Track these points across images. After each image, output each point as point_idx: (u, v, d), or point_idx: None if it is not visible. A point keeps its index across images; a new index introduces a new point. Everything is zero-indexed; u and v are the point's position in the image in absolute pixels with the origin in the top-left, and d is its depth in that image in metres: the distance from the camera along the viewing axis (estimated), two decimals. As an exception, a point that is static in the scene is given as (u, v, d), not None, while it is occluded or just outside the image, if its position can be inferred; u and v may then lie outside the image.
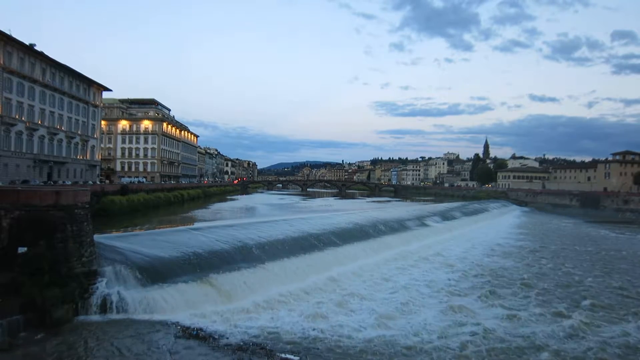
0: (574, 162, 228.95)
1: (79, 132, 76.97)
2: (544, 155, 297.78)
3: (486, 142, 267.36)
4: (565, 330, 18.62)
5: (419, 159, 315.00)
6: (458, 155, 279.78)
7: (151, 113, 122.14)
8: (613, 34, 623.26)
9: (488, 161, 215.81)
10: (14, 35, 57.64)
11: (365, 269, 29.77)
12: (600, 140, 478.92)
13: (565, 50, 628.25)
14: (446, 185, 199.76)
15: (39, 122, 64.94)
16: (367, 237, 38.57)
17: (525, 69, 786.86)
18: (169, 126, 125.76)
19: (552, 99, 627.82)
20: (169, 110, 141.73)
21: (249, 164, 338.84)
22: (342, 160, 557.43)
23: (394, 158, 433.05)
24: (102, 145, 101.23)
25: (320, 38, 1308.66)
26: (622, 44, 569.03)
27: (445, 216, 62.96)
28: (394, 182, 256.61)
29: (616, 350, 16.88)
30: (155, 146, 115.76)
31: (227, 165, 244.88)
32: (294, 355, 15.45)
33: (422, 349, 16.40)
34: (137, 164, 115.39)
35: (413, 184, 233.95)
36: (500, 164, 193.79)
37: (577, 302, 23.63)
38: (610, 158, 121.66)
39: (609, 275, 31.01)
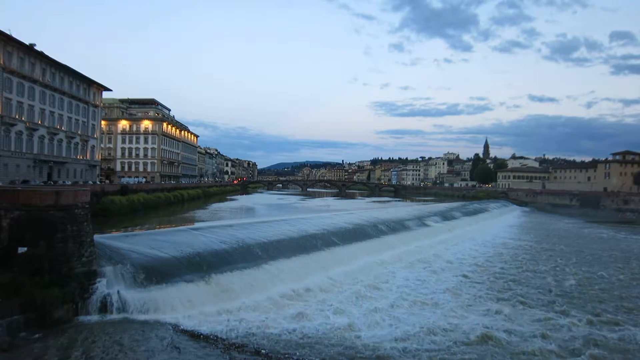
0: (574, 162, 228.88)
1: (79, 132, 76.93)
2: (544, 155, 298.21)
3: (486, 142, 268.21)
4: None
5: (419, 159, 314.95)
6: (458, 155, 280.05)
7: (151, 113, 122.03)
8: (611, 35, 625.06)
9: (488, 161, 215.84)
10: (14, 35, 57.66)
11: (366, 268, 29.76)
12: (599, 140, 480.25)
13: (564, 50, 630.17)
14: (446, 185, 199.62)
15: (39, 122, 64.90)
16: (367, 237, 38.53)
17: (524, 69, 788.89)
18: (169, 126, 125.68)
19: (551, 99, 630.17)
20: (169, 110, 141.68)
21: (249, 164, 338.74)
22: (342, 160, 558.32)
23: (394, 158, 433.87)
24: (102, 145, 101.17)
25: (320, 39, 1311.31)
26: (620, 44, 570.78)
27: (446, 216, 62.92)
28: (394, 182, 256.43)
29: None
30: (155, 146, 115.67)
31: (227, 165, 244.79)
32: (295, 356, 15.44)
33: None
34: (137, 164, 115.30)
35: (413, 184, 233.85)
36: (500, 164, 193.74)
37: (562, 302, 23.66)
38: (610, 158, 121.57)
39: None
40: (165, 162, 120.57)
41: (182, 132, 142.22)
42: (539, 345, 16.89)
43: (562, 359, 16.05)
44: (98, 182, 77.99)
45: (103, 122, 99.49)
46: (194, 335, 16.48)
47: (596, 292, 25.77)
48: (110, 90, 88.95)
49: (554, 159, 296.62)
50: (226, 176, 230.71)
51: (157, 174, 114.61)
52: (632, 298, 24.83)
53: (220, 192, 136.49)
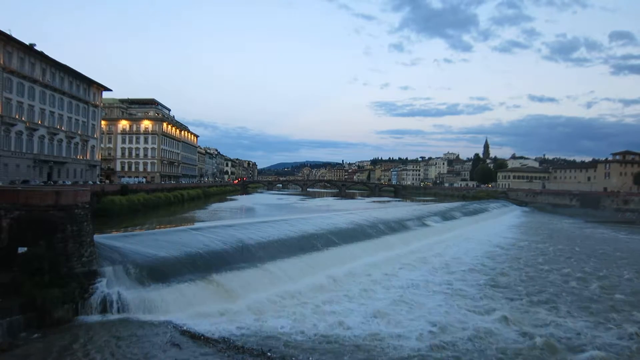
0: (574, 162, 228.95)
1: (79, 132, 76.91)
2: (544, 155, 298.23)
3: (486, 142, 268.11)
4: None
5: (419, 159, 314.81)
6: (458, 155, 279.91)
7: (151, 113, 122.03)
8: (611, 35, 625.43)
9: (488, 161, 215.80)
10: (14, 35, 57.66)
11: (365, 268, 29.74)
12: (599, 140, 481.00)
13: (563, 50, 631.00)
14: (446, 185, 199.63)
15: (39, 122, 64.89)
16: (367, 237, 38.53)
17: (524, 69, 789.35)
18: (169, 126, 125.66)
19: (551, 99, 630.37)
20: (169, 110, 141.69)
21: (249, 164, 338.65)
22: (342, 160, 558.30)
23: (394, 158, 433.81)
24: (102, 145, 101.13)
25: (320, 39, 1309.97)
26: (620, 44, 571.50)
27: (445, 216, 62.93)
28: (394, 182, 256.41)
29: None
30: (155, 146, 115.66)
31: (227, 165, 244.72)
32: (297, 357, 15.43)
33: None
34: (137, 164, 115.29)
35: (413, 184, 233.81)
36: (500, 164, 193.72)
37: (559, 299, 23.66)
38: (610, 158, 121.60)
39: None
40: (165, 162, 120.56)
41: (182, 132, 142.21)
42: (542, 345, 16.85)
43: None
44: (98, 182, 77.97)
45: (103, 122, 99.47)
46: (194, 336, 16.47)
47: (596, 293, 25.76)
48: (110, 90, 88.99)
49: (554, 159, 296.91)
50: (226, 176, 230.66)
51: (157, 174, 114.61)
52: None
53: (220, 192, 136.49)
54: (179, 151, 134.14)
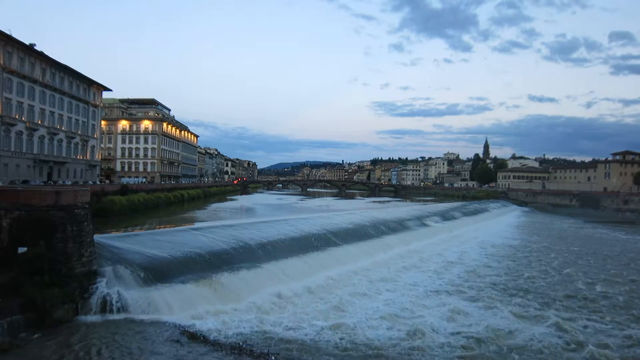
0: (574, 162, 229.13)
1: (79, 132, 76.88)
2: (544, 155, 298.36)
3: (486, 142, 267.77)
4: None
5: (419, 159, 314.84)
6: (458, 155, 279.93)
7: (151, 113, 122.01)
8: (611, 35, 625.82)
9: (488, 161, 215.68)
10: (14, 35, 57.62)
11: (365, 269, 29.75)
12: (599, 140, 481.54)
13: (563, 51, 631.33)
14: (446, 185, 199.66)
15: (39, 122, 64.86)
16: (367, 238, 38.55)
17: (523, 69, 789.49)
18: (169, 126, 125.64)
19: (551, 100, 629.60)
20: (169, 110, 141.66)
21: (249, 164, 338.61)
22: (342, 160, 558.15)
23: (394, 158, 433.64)
24: (102, 145, 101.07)
25: (320, 39, 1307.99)
26: (619, 44, 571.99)
27: (445, 216, 62.94)
28: (394, 182, 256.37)
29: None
30: (155, 146, 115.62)
31: (227, 165, 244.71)
32: (297, 357, 15.41)
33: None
34: (137, 164, 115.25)
35: (413, 184, 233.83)
36: (500, 164, 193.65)
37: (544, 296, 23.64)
38: (610, 158, 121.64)
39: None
40: (165, 162, 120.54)
41: (182, 132, 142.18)
42: (543, 344, 16.86)
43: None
44: (98, 182, 77.94)
45: (103, 122, 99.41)
46: (194, 336, 16.46)
47: (601, 293, 25.75)
48: (110, 90, 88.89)
49: (554, 159, 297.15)
50: (226, 176, 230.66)
51: (157, 174, 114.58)
52: None
53: (220, 192, 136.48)
54: (179, 151, 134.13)
